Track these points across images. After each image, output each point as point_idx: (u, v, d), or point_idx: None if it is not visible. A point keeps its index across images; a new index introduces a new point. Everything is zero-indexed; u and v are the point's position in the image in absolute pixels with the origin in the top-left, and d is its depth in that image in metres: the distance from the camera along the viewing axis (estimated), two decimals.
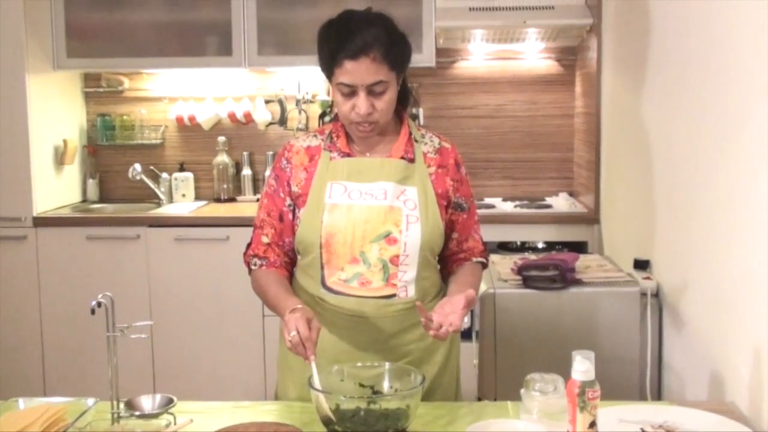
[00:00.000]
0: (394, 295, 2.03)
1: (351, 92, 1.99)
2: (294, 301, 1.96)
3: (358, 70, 1.96)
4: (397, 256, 2.02)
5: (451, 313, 1.86)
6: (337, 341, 2.06)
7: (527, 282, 2.79)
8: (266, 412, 1.95)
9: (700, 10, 2.38)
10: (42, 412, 1.75)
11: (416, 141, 2.14)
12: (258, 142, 4.73)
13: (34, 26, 4.19)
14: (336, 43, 1.98)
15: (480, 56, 4.60)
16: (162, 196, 4.64)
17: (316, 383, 1.76)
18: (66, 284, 4.14)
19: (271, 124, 4.64)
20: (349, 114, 2.02)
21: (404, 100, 2.16)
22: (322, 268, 2.05)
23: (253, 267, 2.14)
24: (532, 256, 3.06)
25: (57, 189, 4.44)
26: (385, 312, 2.04)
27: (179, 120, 4.65)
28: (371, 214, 2.02)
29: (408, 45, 2.07)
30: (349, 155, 2.10)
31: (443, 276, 2.20)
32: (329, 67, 2.01)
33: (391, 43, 1.99)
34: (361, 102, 1.99)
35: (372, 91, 1.99)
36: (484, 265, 2.23)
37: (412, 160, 2.10)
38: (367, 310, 2.03)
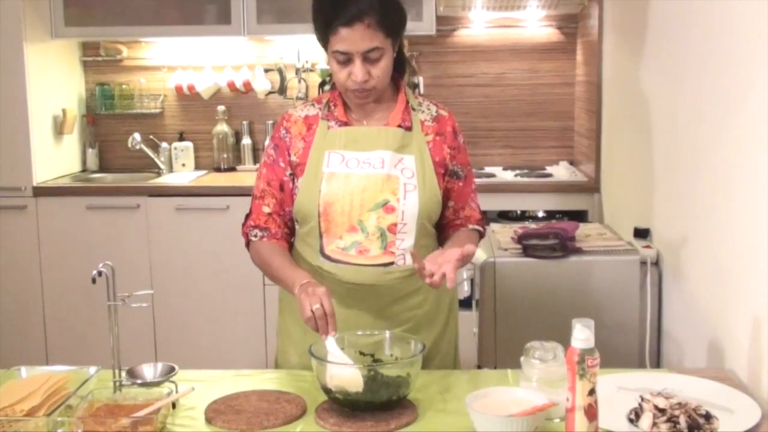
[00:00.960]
0: (392, 263, 2.04)
1: (347, 60, 1.99)
2: (303, 274, 1.96)
3: (353, 37, 1.95)
4: (395, 225, 2.02)
5: (444, 263, 1.85)
6: (335, 309, 2.06)
7: (527, 251, 2.79)
8: (267, 380, 1.96)
9: None
10: (44, 380, 1.75)
11: (413, 109, 2.13)
12: (258, 111, 4.72)
13: None
14: (330, 11, 1.97)
15: (480, 24, 4.57)
16: (162, 166, 4.63)
17: (337, 356, 1.77)
18: (66, 254, 4.15)
19: (270, 93, 4.63)
20: (345, 82, 2.01)
21: (400, 68, 2.14)
22: (320, 236, 2.05)
23: (253, 238, 2.13)
24: (532, 225, 3.06)
25: (56, 159, 4.44)
26: (383, 280, 2.04)
27: (178, 89, 4.64)
28: (369, 183, 2.02)
29: (403, 11, 2.06)
30: (346, 124, 2.09)
31: (440, 242, 2.20)
32: (324, 36, 2.00)
33: (385, 9, 1.98)
34: (357, 69, 1.98)
35: (367, 58, 1.98)
36: (481, 234, 2.23)
37: (409, 128, 2.09)
38: (365, 278, 2.03)
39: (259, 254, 2.11)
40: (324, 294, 1.84)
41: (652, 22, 2.94)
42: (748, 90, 1.98)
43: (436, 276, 1.84)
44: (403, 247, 2.04)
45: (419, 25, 4.14)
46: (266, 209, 2.13)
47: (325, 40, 2.01)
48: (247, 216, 2.16)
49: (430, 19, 4.19)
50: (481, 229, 2.22)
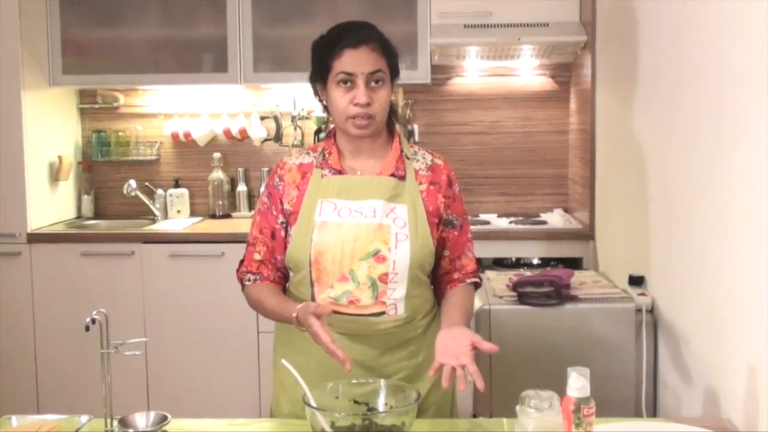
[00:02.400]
0: (383, 313, 2.03)
1: (350, 84, 2.02)
2: (294, 306, 1.97)
3: (359, 58, 2.01)
4: (386, 274, 2.02)
5: (459, 354, 1.84)
6: (326, 359, 2.03)
7: (522, 298, 2.79)
8: (261, 429, 1.94)
9: (694, 26, 2.39)
10: (35, 429, 1.74)
11: (408, 158, 2.14)
12: (253, 159, 4.73)
13: (29, 42, 4.19)
14: (336, 38, 2.04)
15: (475, 73, 4.62)
16: (157, 213, 4.64)
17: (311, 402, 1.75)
18: (60, 301, 4.13)
19: (266, 140, 4.65)
20: (346, 108, 2.03)
21: (392, 115, 2.17)
22: (311, 285, 2.05)
23: (246, 283, 2.15)
24: (527, 273, 3.07)
25: (52, 205, 4.44)
26: (374, 330, 2.04)
27: (174, 136, 4.66)
28: (360, 232, 2.02)
29: (397, 56, 2.12)
30: (340, 172, 2.10)
31: (437, 296, 2.20)
32: (326, 64, 2.04)
33: (386, 41, 2.07)
34: (361, 92, 2.01)
35: (370, 82, 2.02)
36: (477, 285, 2.22)
37: (402, 178, 2.10)
38: (356, 329, 2.03)
39: (253, 297, 2.14)
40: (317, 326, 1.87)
41: (644, 71, 2.97)
42: (740, 137, 2.00)
43: (459, 372, 1.81)
44: (395, 297, 2.03)
45: (414, 74, 4.17)
46: (257, 256, 2.14)
47: (326, 69, 2.04)
48: (242, 261, 2.18)
49: (425, 67, 4.23)
50: (477, 280, 2.21)
